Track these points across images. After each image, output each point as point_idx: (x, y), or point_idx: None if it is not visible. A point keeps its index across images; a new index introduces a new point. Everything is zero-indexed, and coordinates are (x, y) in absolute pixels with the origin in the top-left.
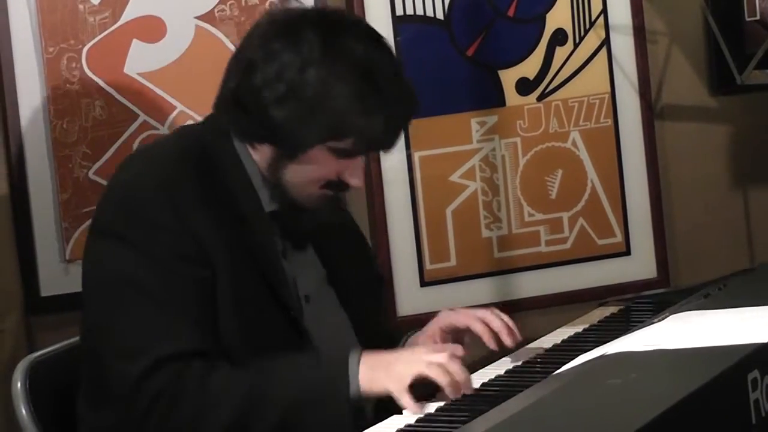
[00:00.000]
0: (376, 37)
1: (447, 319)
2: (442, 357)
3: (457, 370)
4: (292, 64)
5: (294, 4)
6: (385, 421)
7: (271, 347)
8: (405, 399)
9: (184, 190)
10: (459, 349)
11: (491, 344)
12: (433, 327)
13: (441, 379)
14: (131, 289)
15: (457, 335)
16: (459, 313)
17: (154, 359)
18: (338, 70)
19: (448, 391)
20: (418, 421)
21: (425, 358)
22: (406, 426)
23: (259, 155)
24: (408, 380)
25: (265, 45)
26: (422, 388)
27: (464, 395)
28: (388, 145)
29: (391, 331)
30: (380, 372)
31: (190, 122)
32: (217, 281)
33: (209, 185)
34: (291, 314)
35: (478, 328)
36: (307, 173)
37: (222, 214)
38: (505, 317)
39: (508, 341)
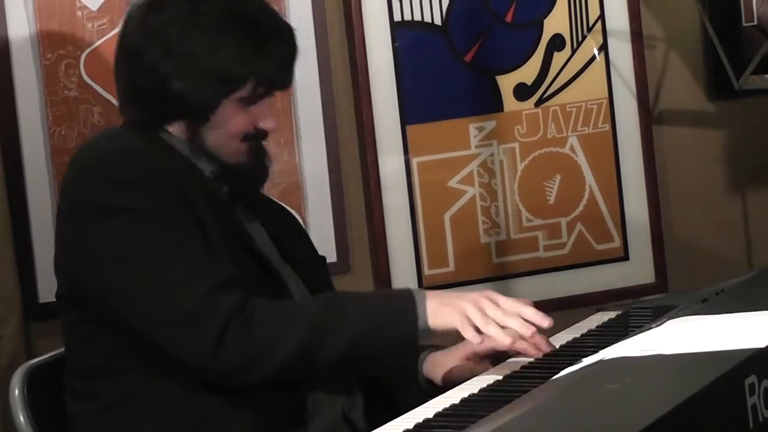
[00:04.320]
0: None
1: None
2: (500, 313)
3: (517, 326)
4: (171, 34)
5: None
6: (382, 427)
7: (257, 294)
8: (469, 333)
9: (148, 155)
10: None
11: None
12: (461, 350)
13: (497, 337)
14: (149, 247)
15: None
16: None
17: (217, 282)
18: (213, 24)
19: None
20: (416, 426)
21: (489, 311)
22: (404, 431)
23: (177, 131)
24: (473, 319)
25: (141, 26)
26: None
27: (463, 400)
28: (286, 79)
29: None
30: (447, 307)
31: None
32: (207, 228)
33: (159, 164)
34: (272, 269)
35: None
36: (223, 132)
37: (182, 181)
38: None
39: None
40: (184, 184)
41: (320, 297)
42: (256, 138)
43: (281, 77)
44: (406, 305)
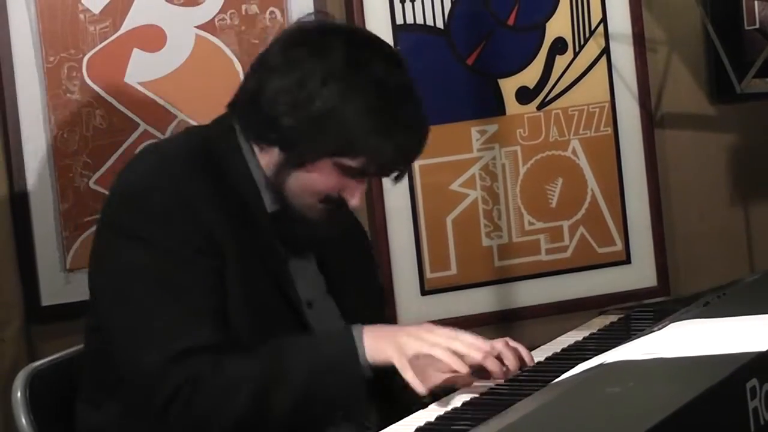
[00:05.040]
0: (398, 61)
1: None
2: (455, 343)
3: (462, 349)
4: (313, 74)
5: (324, 17)
6: (383, 431)
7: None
8: (409, 374)
9: (192, 185)
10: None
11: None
12: None
13: (445, 359)
14: (145, 282)
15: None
16: (465, 333)
17: (179, 350)
18: (358, 87)
19: (456, 366)
20: (418, 429)
21: (429, 338)
22: None
23: (266, 157)
24: (410, 353)
25: (289, 51)
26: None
27: (464, 403)
28: (395, 170)
29: None
30: (382, 342)
31: None
32: (227, 273)
33: (215, 182)
34: (298, 313)
35: (490, 365)
36: (310, 184)
37: (228, 209)
38: (517, 345)
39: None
40: (219, 224)
41: (265, 350)
42: (335, 204)
43: (392, 167)
44: (347, 345)
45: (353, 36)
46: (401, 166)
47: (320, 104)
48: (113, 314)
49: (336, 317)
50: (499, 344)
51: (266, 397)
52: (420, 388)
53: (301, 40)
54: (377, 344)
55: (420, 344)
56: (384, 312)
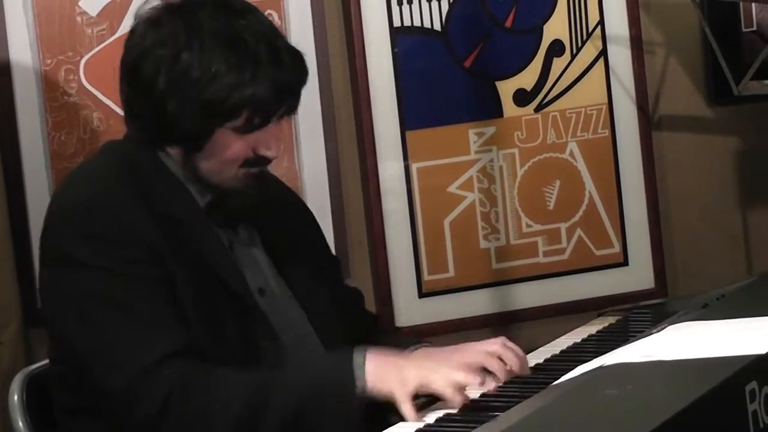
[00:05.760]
0: (239, 8)
1: (461, 361)
2: (456, 375)
3: (461, 380)
4: (164, 57)
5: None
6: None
7: (233, 339)
8: (407, 407)
9: (120, 199)
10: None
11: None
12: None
13: (451, 397)
14: (101, 306)
15: None
16: (471, 352)
17: (150, 362)
18: (206, 49)
19: (455, 403)
20: (418, 431)
21: (431, 386)
22: None
23: (175, 155)
24: (412, 388)
25: (140, 43)
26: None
27: (463, 405)
28: (285, 107)
29: (365, 313)
30: (389, 373)
31: None
32: (175, 279)
33: (141, 192)
34: (246, 304)
35: (496, 367)
36: (220, 159)
37: (159, 217)
38: (518, 348)
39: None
40: (155, 234)
41: (261, 371)
42: (256, 164)
43: (279, 105)
44: (346, 372)
45: (184, 4)
46: (287, 101)
47: (183, 84)
48: (74, 341)
49: (290, 299)
50: (495, 346)
51: (256, 412)
52: (417, 420)
53: (143, 29)
54: (381, 373)
55: (420, 380)
56: (340, 282)
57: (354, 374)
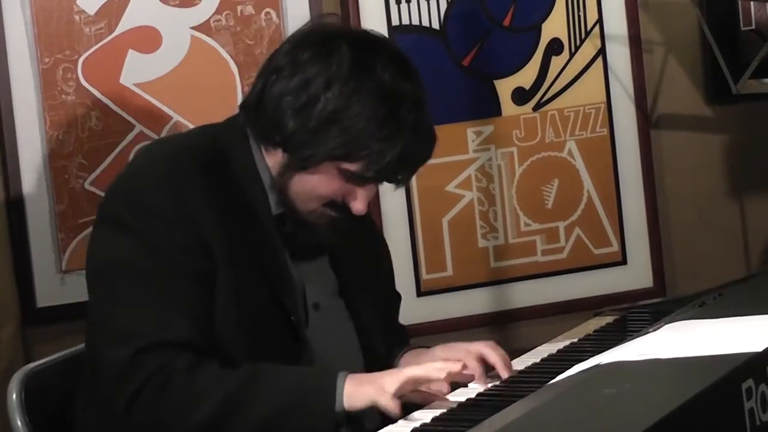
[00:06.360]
0: (407, 66)
1: (442, 355)
2: (424, 370)
3: (438, 387)
4: (318, 77)
5: (335, 20)
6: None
7: (269, 350)
8: (390, 404)
9: (189, 183)
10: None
11: (482, 381)
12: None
13: (425, 373)
14: (128, 274)
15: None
16: (453, 348)
17: (141, 346)
18: (363, 91)
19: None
20: (414, 430)
21: (408, 374)
22: None
23: (272, 159)
24: (392, 390)
25: (295, 53)
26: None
27: (460, 404)
28: (399, 177)
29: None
30: (365, 386)
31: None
32: (218, 275)
33: (217, 181)
34: (291, 319)
35: (473, 365)
36: (313, 187)
37: (229, 209)
38: (502, 351)
39: (504, 374)
40: (214, 227)
41: (243, 371)
42: (338, 210)
43: (395, 174)
44: (325, 386)
45: (360, 39)
46: (404, 172)
47: (323, 107)
48: (95, 302)
49: (345, 319)
50: (479, 346)
51: (228, 416)
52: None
53: (308, 42)
54: (358, 390)
55: (398, 377)
56: (395, 315)
57: (334, 390)
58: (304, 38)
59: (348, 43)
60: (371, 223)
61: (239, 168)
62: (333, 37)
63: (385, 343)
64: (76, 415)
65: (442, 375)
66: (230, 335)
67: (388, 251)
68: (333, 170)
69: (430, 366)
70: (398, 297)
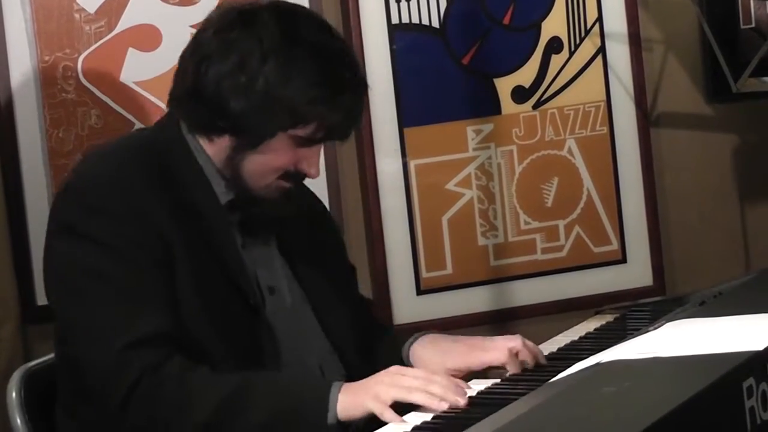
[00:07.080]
0: (328, 27)
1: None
2: (420, 381)
3: (438, 391)
4: (251, 54)
5: None
6: (379, 429)
7: (233, 334)
8: (387, 414)
9: (135, 181)
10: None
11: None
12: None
13: (425, 402)
14: (91, 277)
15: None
16: (483, 347)
17: (123, 343)
18: (298, 57)
19: (433, 407)
20: (415, 428)
21: (405, 383)
22: None
23: (214, 147)
24: (389, 400)
25: (223, 35)
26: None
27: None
28: (347, 132)
29: (373, 322)
30: (360, 395)
31: None
32: (178, 269)
33: (160, 177)
34: (250, 303)
35: (513, 369)
36: (267, 163)
37: (175, 203)
38: (530, 344)
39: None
40: (166, 219)
41: (236, 378)
42: (293, 178)
43: (343, 129)
44: (319, 397)
45: (282, 9)
46: (350, 126)
47: (264, 82)
48: (63, 314)
49: (302, 301)
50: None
51: (221, 423)
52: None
53: (232, 21)
54: (353, 400)
55: (397, 391)
56: (355, 290)
57: (327, 401)
58: (224, 19)
59: (269, 15)
60: (314, 198)
61: (180, 163)
62: (253, 12)
63: (346, 318)
64: (57, 425)
65: (443, 407)
66: (195, 323)
67: (334, 223)
68: (285, 141)
69: (433, 395)
70: (353, 269)
